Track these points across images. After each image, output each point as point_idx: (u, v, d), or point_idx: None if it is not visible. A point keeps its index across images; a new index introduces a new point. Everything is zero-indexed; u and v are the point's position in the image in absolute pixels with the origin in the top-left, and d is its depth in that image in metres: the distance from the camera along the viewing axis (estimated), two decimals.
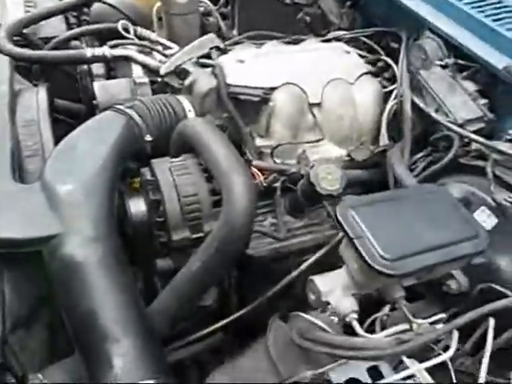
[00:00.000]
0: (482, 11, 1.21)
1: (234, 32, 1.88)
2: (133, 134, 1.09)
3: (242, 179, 0.92)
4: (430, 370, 0.82)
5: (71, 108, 1.68)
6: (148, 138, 1.12)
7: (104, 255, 0.88)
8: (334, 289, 0.92)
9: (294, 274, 1.19)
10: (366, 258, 0.81)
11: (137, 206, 1.03)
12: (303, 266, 1.19)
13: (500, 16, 1.19)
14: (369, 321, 0.96)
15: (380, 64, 1.50)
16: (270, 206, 1.26)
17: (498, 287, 0.92)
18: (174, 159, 1.07)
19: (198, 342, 1.16)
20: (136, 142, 1.10)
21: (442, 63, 1.20)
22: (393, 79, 1.44)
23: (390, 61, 1.45)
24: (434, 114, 1.16)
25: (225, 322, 1.17)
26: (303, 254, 1.26)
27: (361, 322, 0.90)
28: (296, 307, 1.07)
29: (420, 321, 0.87)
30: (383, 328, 0.91)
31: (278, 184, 1.21)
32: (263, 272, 1.25)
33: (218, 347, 1.21)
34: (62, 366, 0.93)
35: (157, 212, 1.01)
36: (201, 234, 1.02)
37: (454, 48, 1.23)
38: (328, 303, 0.91)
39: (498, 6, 1.23)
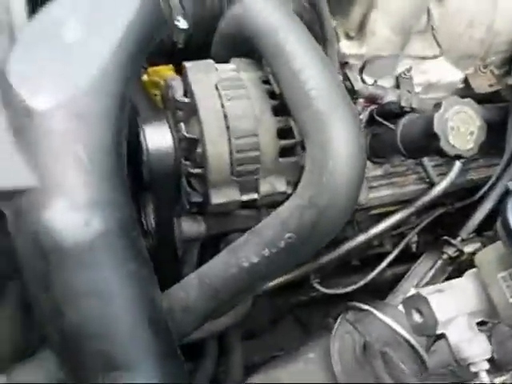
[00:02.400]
0: None
1: None
2: (158, 14, 0.66)
3: (347, 129, 0.53)
4: None
5: None
6: (182, 23, 0.68)
7: (104, 230, 0.53)
8: (456, 317, 0.60)
9: (365, 237, 0.89)
10: None
11: (158, 139, 0.65)
12: (380, 228, 0.89)
13: None
14: None
15: None
16: None
17: None
18: (221, 67, 0.66)
19: None
20: (161, 28, 0.67)
21: None
22: None
23: None
24: None
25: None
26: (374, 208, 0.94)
27: None
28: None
29: None
30: None
31: (363, 116, 0.82)
32: None
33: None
34: (34, 366, 0.64)
35: (190, 155, 0.64)
36: (255, 196, 0.66)
37: None
38: (443, 336, 0.60)
39: None
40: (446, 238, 0.90)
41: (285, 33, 0.58)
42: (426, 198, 0.89)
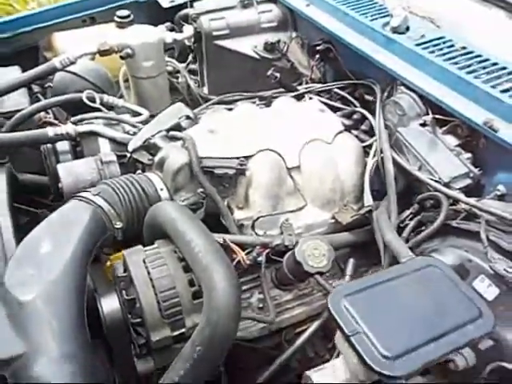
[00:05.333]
0: (456, 63, 1.18)
1: (205, 90, 1.84)
2: (101, 224, 1.01)
3: (222, 273, 0.85)
4: None
5: (38, 182, 1.59)
6: (118, 225, 1.04)
7: (74, 375, 0.79)
8: None
9: (290, 351, 1.12)
10: (366, 358, 0.73)
11: (110, 305, 0.94)
12: (299, 342, 1.12)
13: (473, 68, 1.17)
14: None
15: (356, 116, 1.47)
16: (256, 280, 1.19)
17: (509, 366, 0.85)
18: (147, 248, 0.99)
19: None
20: (105, 231, 1.02)
21: (421, 121, 1.16)
22: (370, 131, 1.41)
23: (366, 113, 1.42)
24: (418, 174, 1.11)
25: None
26: (296, 327, 1.19)
27: None
28: None
29: None
30: None
31: (262, 258, 1.14)
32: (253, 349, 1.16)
33: None
34: None
35: (132, 311, 0.92)
36: (183, 330, 0.93)
37: (429, 102, 1.20)
38: None
39: (469, 56, 1.21)
40: None
41: (179, 222, 0.94)
42: None
